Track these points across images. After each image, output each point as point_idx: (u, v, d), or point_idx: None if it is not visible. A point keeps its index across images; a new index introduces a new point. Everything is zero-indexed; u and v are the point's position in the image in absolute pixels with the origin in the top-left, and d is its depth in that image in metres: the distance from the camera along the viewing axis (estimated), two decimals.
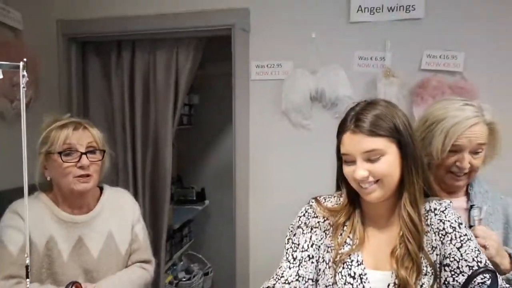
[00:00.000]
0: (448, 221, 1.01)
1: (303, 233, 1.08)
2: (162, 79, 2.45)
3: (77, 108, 2.51)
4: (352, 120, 1.01)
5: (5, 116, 1.96)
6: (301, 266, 1.04)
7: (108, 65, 2.53)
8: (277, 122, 2.22)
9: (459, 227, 1.01)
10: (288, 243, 1.09)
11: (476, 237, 1.12)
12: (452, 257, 0.97)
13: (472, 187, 1.35)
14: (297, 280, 1.02)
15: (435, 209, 1.04)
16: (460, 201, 1.34)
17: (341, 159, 1.06)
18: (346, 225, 1.06)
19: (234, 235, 2.31)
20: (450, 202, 1.08)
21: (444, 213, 1.03)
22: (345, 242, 1.04)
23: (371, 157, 0.98)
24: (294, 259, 1.05)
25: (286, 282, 1.01)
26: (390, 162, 0.99)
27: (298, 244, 1.07)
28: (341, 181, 1.11)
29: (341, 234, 1.06)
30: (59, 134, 1.34)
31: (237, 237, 2.29)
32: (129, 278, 1.42)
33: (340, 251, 1.03)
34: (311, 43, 2.15)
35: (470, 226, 1.22)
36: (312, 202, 1.13)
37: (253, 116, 2.25)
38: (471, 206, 1.25)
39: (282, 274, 1.03)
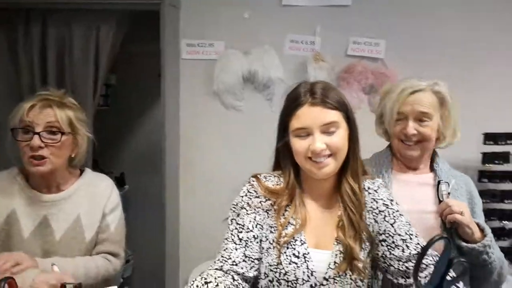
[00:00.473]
0: (381, 199, 1.07)
1: (247, 213, 1.06)
2: (80, 55, 2.24)
3: None
4: (307, 94, 1.00)
5: None
6: (247, 247, 1.03)
7: (14, 37, 2.24)
8: (209, 103, 2.18)
9: (391, 204, 1.07)
10: (232, 224, 1.07)
11: (449, 206, 1.19)
12: (387, 233, 1.02)
13: (437, 164, 1.39)
14: (244, 260, 1.01)
15: (368, 188, 1.09)
16: (427, 178, 1.38)
17: (285, 137, 1.06)
18: (288, 206, 1.08)
19: (163, 221, 2.23)
20: (382, 181, 1.15)
21: (377, 192, 1.08)
22: (289, 222, 1.05)
23: (329, 129, 0.99)
24: (240, 240, 1.03)
25: (234, 263, 1.00)
26: (343, 136, 1.01)
27: (243, 225, 1.05)
28: (286, 161, 1.10)
29: (283, 215, 1.06)
30: (17, 110, 1.28)
31: (167, 223, 2.22)
32: (86, 264, 1.31)
33: (284, 232, 1.04)
34: (243, 24, 2.13)
35: (440, 201, 1.27)
36: (253, 181, 1.11)
37: (183, 97, 2.17)
38: (439, 181, 1.30)
39: (229, 255, 1.01)
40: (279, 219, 1.05)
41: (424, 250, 0.76)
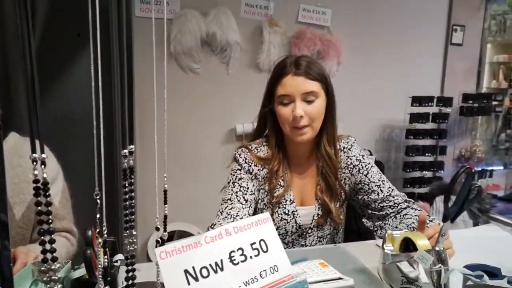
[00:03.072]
0: (354, 156, 1.21)
1: (250, 178, 1.17)
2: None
3: None
4: (292, 65, 1.10)
5: None
6: (250, 207, 1.14)
7: None
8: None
9: (363, 158, 1.22)
10: (235, 186, 1.16)
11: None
12: (363, 182, 1.19)
13: None
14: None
15: (344, 147, 1.23)
16: None
17: (268, 106, 1.15)
18: (277, 171, 1.18)
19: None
20: (354, 139, 1.29)
21: (351, 150, 1.22)
22: (279, 185, 1.18)
23: (309, 98, 1.09)
24: (246, 201, 1.14)
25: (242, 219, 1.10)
26: (320, 106, 1.12)
27: (247, 188, 1.15)
28: (271, 128, 1.19)
29: (275, 179, 1.17)
30: None
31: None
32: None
33: (275, 194, 1.17)
34: None
35: None
36: (247, 152, 1.20)
37: (137, 58, 2.07)
38: None
39: (237, 213, 1.10)
40: (272, 183, 1.17)
41: (453, 180, 0.88)
